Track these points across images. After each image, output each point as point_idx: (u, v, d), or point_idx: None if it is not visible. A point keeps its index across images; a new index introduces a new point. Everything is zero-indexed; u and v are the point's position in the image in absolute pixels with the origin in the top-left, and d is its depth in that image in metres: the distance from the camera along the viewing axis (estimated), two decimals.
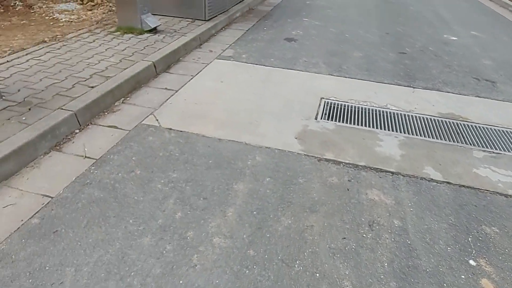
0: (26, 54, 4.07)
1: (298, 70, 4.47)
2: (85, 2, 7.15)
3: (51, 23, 6.12)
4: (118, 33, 4.91)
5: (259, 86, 3.99)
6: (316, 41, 5.59)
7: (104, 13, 6.73)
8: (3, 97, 3.18)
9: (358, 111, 3.60)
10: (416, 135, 3.25)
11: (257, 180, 2.59)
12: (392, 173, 2.74)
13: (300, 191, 2.50)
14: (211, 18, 5.85)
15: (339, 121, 3.40)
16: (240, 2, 7.09)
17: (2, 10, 6.54)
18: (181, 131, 3.10)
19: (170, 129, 3.12)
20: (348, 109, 3.63)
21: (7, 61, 3.86)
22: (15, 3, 6.86)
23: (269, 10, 7.35)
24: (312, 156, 2.88)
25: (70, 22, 6.17)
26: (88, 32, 4.93)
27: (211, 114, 3.39)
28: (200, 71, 4.27)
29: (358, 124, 3.37)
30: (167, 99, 3.60)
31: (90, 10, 6.90)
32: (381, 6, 8.58)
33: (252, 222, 2.22)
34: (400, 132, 3.29)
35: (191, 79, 4.06)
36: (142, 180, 2.53)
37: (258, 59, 4.71)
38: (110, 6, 6.97)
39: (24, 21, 6.10)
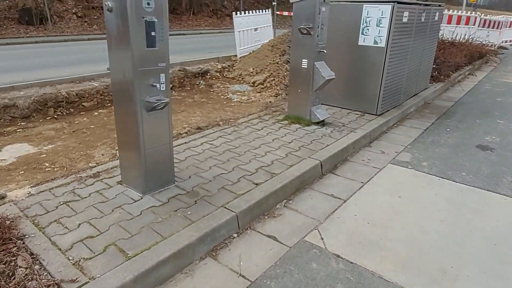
0: (201, 137, 4.28)
1: (503, 194, 3.42)
2: (255, 85, 7.70)
3: (225, 102, 6.68)
4: (286, 122, 4.84)
5: (448, 211, 3.13)
6: None
7: (271, 96, 7.05)
8: (176, 182, 3.22)
9: None
10: None
11: None
12: None
13: None
14: (383, 113, 5.35)
15: None
16: (414, 95, 6.46)
17: (189, 88, 7.56)
18: (351, 262, 2.49)
19: (338, 256, 2.55)
20: None
21: (185, 143, 4.09)
22: (200, 82, 7.88)
23: (450, 106, 6.44)
24: None
25: (240, 103, 6.61)
26: (257, 118, 5.04)
27: (388, 244, 2.69)
28: (371, 177, 3.68)
29: None
30: (333, 211, 3.09)
31: (259, 92, 7.35)
32: None
33: None
34: None
35: (361, 187, 3.50)
36: None
37: (444, 171, 3.86)
38: (278, 90, 7.29)
39: (203, 99, 6.84)
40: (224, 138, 4.27)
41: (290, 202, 3.22)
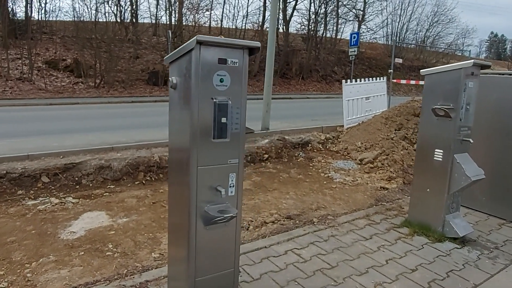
0: (288, 240, 3.27)
1: None
2: (363, 163, 6.51)
3: (325, 182, 5.65)
4: (406, 230, 3.52)
5: None
6: None
7: (382, 179, 5.78)
8: None
9: None
10: None
11: None
12: None
13: None
14: None
15: None
16: None
17: (286, 160, 6.76)
18: None
19: None
20: None
21: (265, 247, 3.12)
22: (299, 154, 7.04)
23: None
24: None
25: (343, 185, 5.50)
26: (364, 218, 3.82)
27: None
28: None
29: None
30: None
31: (368, 173, 6.13)
32: None
33: None
34: None
35: None
36: None
37: None
38: (391, 173, 5.97)
39: (300, 175, 5.92)
40: (317, 246, 3.18)
41: None
